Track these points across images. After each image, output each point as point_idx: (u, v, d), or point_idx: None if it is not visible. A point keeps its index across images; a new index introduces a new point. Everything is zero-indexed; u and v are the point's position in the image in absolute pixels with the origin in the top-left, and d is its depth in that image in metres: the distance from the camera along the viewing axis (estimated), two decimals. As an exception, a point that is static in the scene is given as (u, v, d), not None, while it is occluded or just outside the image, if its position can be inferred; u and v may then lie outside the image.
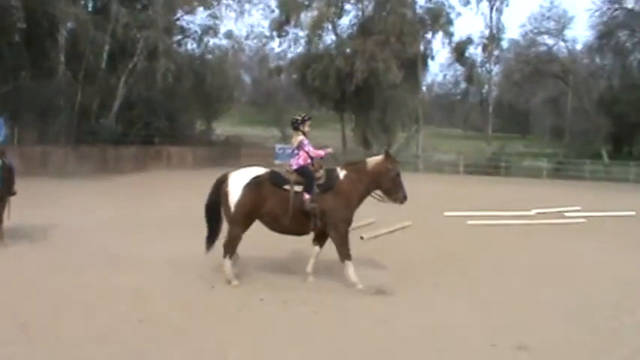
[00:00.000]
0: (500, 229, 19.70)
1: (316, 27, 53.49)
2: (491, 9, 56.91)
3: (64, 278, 11.36)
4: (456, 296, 11.00)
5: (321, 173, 11.55)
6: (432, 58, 58.76)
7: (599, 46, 58.15)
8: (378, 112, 53.50)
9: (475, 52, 62.21)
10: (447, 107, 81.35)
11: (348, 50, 52.42)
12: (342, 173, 11.71)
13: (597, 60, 62.26)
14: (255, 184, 11.34)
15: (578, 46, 60.74)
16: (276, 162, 47.33)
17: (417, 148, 54.37)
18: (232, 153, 49.90)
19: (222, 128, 59.00)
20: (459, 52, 61.31)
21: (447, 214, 18.77)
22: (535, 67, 58.94)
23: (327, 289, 11.11)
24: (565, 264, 14.24)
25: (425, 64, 57.52)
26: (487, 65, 60.92)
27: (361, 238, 15.80)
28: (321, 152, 11.92)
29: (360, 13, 55.21)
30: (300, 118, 12.09)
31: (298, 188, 11.32)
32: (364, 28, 52.96)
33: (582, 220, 22.15)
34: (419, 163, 51.91)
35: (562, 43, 59.09)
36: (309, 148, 11.65)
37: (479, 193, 31.78)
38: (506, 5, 57.09)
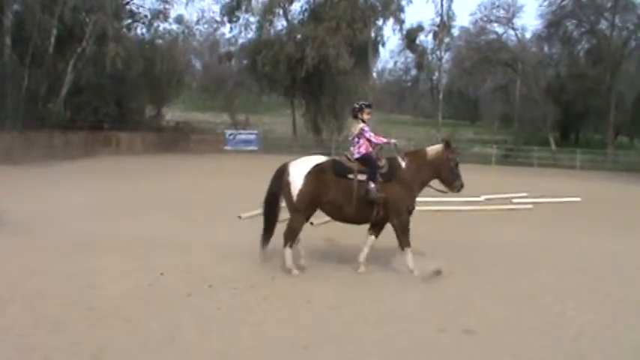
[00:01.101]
0: (448, 214, 19.85)
1: (267, 12, 53.32)
2: (442, -4, 57.13)
3: (11, 265, 11.24)
4: (406, 283, 11.06)
5: (383, 162, 11.52)
6: (383, 44, 58.93)
7: (548, 35, 58.83)
8: (328, 98, 53.48)
9: (426, 39, 63.00)
10: (398, 94, 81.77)
11: (299, 36, 52.27)
12: (403, 162, 11.70)
13: (545, 49, 63.13)
14: (317, 172, 11.31)
15: (527, 35, 61.55)
16: (226, 148, 47.33)
17: (368, 135, 54.36)
18: (182, 139, 49.70)
19: (172, 114, 58.72)
20: (410, 39, 61.73)
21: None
22: (485, 54, 59.46)
23: (278, 276, 11.11)
24: (511, 250, 14.40)
25: (375, 51, 57.60)
26: (437, 52, 61.41)
27: (311, 224, 15.86)
28: (383, 138, 11.89)
29: (311, -1, 55.16)
30: (358, 105, 12.00)
31: (362, 177, 11.28)
32: (315, 14, 52.82)
33: (529, 206, 22.42)
34: (369, 149, 51.95)
35: (511, 32, 59.82)
36: (369, 134, 11.59)
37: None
38: (457, -8, 57.31)
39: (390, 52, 74.58)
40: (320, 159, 11.71)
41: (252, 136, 51.61)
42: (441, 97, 59.90)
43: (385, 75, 79.91)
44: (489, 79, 70.40)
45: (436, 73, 64.44)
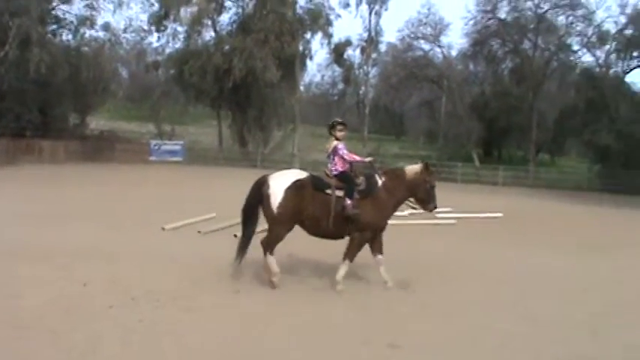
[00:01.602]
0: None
1: (196, 23, 53.02)
2: (371, 12, 57.51)
3: None
4: (333, 296, 11.13)
5: (361, 179, 11.64)
6: (311, 58, 58.98)
7: (473, 53, 59.94)
8: (255, 110, 53.45)
9: (353, 54, 63.06)
10: (324, 107, 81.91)
11: (227, 47, 52.13)
12: (380, 180, 11.82)
13: (471, 67, 64.31)
14: (297, 187, 11.34)
15: (453, 53, 62.47)
16: (151, 158, 46.91)
17: (293, 148, 54.51)
18: (107, 148, 49.01)
19: (96, 122, 57.81)
20: (338, 53, 61.93)
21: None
22: (411, 71, 60.22)
23: (204, 289, 11.02)
24: (435, 264, 14.58)
25: (303, 64, 57.66)
26: (365, 67, 61.74)
27: (235, 236, 15.91)
28: (357, 157, 11.99)
29: (240, 10, 54.99)
30: (331, 123, 12.07)
31: (339, 193, 11.38)
32: (244, 25, 52.77)
33: (453, 221, 22.71)
34: (295, 162, 51.89)
35: (438, 49, 60.75)
36: (343, 152, 11.62)
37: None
38: (385, 9, 57.78)
39: (317, 66, 74.75)
40: (300, 173, 11.84)
41: (178, 147, 51.31)
42: (367, 111, 60.39)
43: (312, 88, 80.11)
44: (415, 95, 71.33)
45: (363, 88, 64.80)
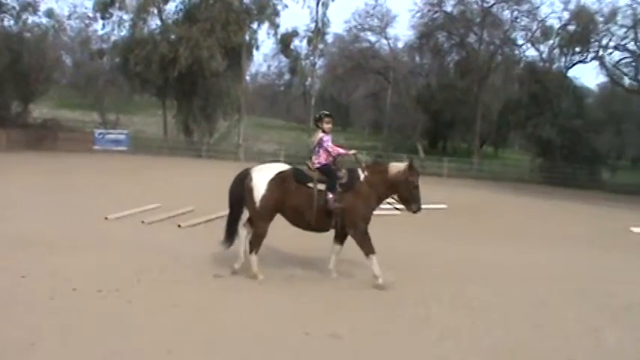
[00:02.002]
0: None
1: (141, 11, 52.35)
2: (318, 3, 57.36)
3: None
4: (273, 287, 11.10)
5: (343, 172, 11.70)
6: (257, 48, 58.73)
7: (419, 45, 60.52)
8: (200, 100, 53.00)
9: (300, 44, 63.08)
10: (270, 97, 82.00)
11: (172, 36, 51.67)
12: (362, 175, 11.85)
13: (417, 59, 64.74)
14: (280, 179, 11.41)
15: (400, 45, 63.00)
16: (95, 147, 46.38)
17: (239, 138, 54.31)
18: (50, 137, 48.19)
19: (39, 111, 56.95)
20: (284, 43, 61.89)
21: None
22: (358, 62, 60.47)
23: (147, 280, 10.94)
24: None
25: (249, 54, 57.42)
26: (311, 58, 61.68)
27: (179, 226, 15.74)
28: (342, 150, 11.99)
29: (186, -1, 54.63)
30: (318, 115, 12.15)
31: (321, 186, 11.44)
32: (190, 14, 52.31)
33: (397, 212, 22.80)
34: (240, 152, 51.87)
35: (384, 41, 61.15)
36: (328, 144, 11.69)
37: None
38: (333, 0, 57.85)
39: (263, 56, 74.88)
40: (282, 166, 11.86)
41: (122, 136, 50.75)
42: (313, 102, 60.33)
43: (258, 78, 79.95)
44: (361, 87, 71.73)
45: (309, 79, 64.86)
